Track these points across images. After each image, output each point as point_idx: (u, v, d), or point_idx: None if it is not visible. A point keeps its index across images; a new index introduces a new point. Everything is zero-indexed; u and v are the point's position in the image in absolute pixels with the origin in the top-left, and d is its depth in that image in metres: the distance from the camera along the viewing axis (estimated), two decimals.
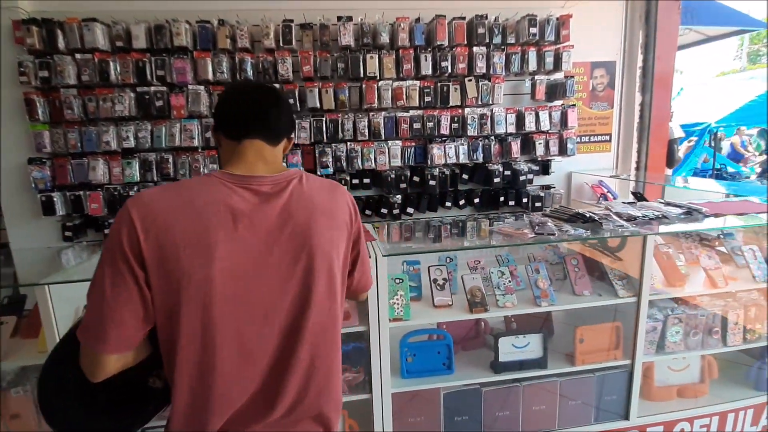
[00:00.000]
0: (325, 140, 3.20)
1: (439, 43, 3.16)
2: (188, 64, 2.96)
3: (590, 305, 1.59)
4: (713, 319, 1.72)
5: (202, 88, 3.00)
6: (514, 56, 3.29)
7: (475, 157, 3.36)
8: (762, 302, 1.72)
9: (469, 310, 1.57)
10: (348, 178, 3.31)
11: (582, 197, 3.80)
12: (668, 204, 1.82)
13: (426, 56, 3.17)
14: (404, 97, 3.21)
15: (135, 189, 3.08)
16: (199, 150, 3.10)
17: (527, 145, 3.50)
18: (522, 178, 3.46)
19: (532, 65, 3.31)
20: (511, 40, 3.30)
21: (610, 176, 3.40)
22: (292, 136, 1.00)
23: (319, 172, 3.22)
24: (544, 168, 3.65)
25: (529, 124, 3.37)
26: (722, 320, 1.73)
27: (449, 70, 3.21)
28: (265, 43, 3.01)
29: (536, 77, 3.36)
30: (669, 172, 4.06)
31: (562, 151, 3.48)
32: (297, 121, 3.14)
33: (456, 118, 3.32)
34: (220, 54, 3.00)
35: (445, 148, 3.31)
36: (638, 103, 3.69)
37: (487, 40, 3.25)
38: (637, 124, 3.72)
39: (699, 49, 6.24)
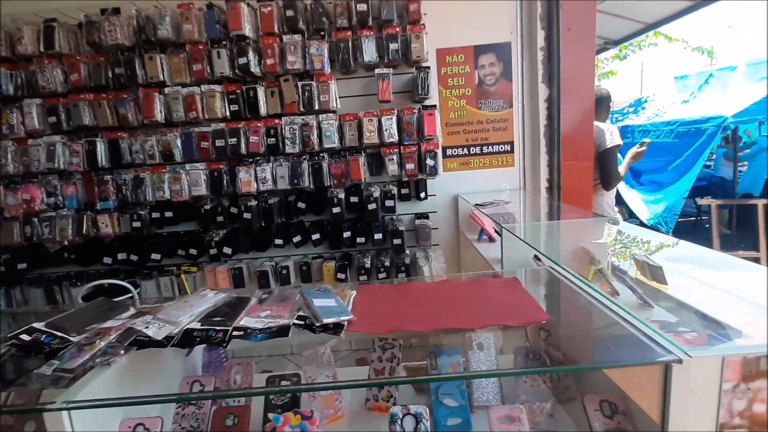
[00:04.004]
0: (102, 166, 2.55)
1: (236, 33, 2.40)
2: None
3: None
4: None
5: None
6: (341, 45, 2.44)
7: (298, 181, 2.53)
8: None
9: None
10: (144, 212, 2.63)
11: (474, 230, 2.81)
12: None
13: (219, 52, 2.42)
14: (198, 107, 2.48)
15: None
16: None
17: (381, 162, 2.61)
18: (371, 206, 2.57)
19: (369, 56, 2.44)
20: (343, 23, 2.46)
21: (475, 205, 2.40)
22: None
23: (98, 206, 2.58)
24: (417, 192, 2.74)
25: (369, 135, 2.49)
26: None
27: (252, 69, 2.43)
28: (19, 49, 2.44)
29: (377, 71, 2.47)
30: (607, 195, 2.90)
31: (422, 169, 2.55)
32: (67, 144, 2.53)
33: (272, 131, 2.53)
34: None
35: (255, 171, 2.53)
36: (543, 99, 2.65)
37: (302, 26, 2.44)
38: (544, 128, 2.68)
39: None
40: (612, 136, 2.73)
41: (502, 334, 1.08)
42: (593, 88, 2.64)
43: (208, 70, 2.45)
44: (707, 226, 5.67)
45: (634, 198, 6.02)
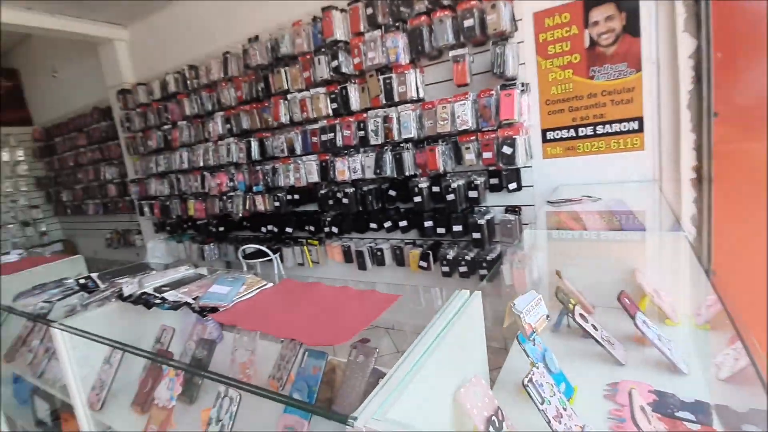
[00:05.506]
0: (255, 159, 3.36)
1: (331, 39, 2.68)
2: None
3: None
4: None
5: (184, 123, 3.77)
6: (418, 31, 2.37)
7: (380, 171, 2.67)
8: None
9: None
10: (281, 195, 3.33)
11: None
12: None
13: (318, 59, 2.76)
14: (309, 108, 2.93)
15: None
16: None
17: (458, 152, 2.46)
18: (450, 197, 2.49)
19: (443, 38, 2.29)
20: (421, 8, 2.38)
21: (548, 202, 1.88)
22: None
23: (254, 188, 3.43)
24: (510, 181, 2.46)
25: (442, 123, 2.37)
26: None
27: (343, 69, 2.68)
28: (211, 77, 3.44)
29: (450, 53, 2.28)
30: None
31: (501, 158, 2.25)
32: (237, 144, 3.44)
33: (362, 125, 2.74)
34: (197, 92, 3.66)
35: (348, 161, 2.81)
36: (688, 55, 1.85)
37: (382, 20, 2.48)
38: (688, 96, 1.89)
39: None
40: None
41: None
42: None
43: (314, 76, 2.83)
44: None
45: None
